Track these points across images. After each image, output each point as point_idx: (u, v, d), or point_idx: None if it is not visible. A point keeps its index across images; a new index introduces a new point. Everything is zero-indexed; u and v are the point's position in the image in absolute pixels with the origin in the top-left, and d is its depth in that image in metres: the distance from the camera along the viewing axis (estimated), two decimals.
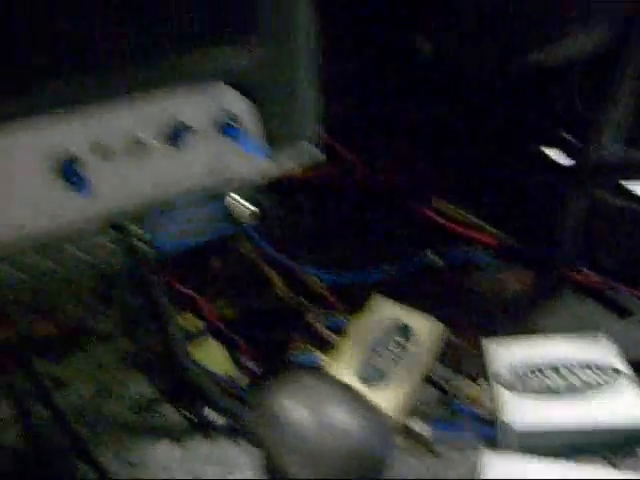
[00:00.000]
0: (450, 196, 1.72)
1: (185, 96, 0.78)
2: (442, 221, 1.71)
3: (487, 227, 1.67)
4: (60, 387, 1.31)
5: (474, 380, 1.33)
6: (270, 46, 0.81)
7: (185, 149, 0.80)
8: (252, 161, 0.85)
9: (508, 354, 1.31)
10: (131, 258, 0.81)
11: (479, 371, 1.33)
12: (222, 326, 1.35)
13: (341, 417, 0.69)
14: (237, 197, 0.84)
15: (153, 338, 1.37)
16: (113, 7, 0.70)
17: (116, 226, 0.80)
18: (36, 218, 0.74)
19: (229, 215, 0.85)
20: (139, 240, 0.80)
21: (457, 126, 1.66)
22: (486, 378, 1.28)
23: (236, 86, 0.81)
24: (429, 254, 1.59)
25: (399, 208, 1.71)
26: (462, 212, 1.71)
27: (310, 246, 1.64)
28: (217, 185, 0.84)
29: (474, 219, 1.69)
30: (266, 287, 1.57)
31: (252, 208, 0.84)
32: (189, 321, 1.29)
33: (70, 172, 0.73)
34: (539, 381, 1.25)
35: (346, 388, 0.74)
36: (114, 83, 0.73)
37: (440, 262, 1.59)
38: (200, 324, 1.33)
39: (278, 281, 1.57)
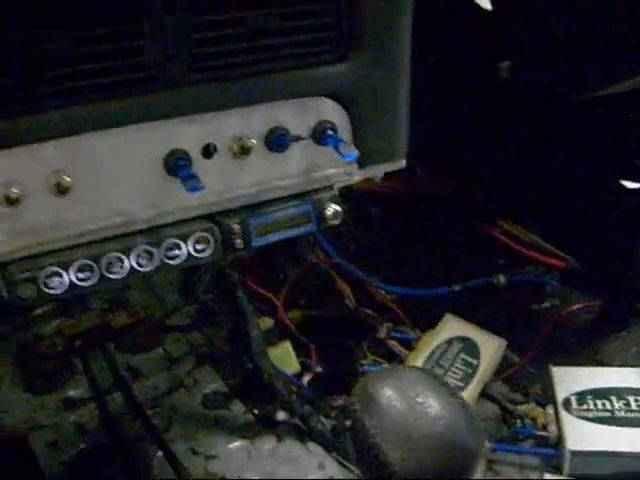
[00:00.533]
0: (519, 218, 1.74)
1: (289, 107, 0.83)
2: (510, 242, 1.72)
3: (555, 250, 1.68)
4: (136, 377, 1.37)
5: (539, 403, 1.34)
6: (370, 63, 0.85)
7: (284, 153, 0.85)
8: (343, 167, 0.90)
9: (575, 380, 1.32)
10: (224, 252, 0.86)
11: (544, 395, 1.34)
12: (293, 328, 1.39)
13: (437, 407, 0.73)
14: (324, 198, 0.89)
15: (226, 334, 1.42)
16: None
17: (214, 219, 0.85)
18: (144, 207, 0.80)
19: (316, 215, 0.89)
20: (234, 234, 0.85)
21: (530, 150, 1.68)
22: (551, 402, 1.29)
23: (336, 99, 0.85)
24: (496, 274, 1.60)
25: (468, 227, 1.73)
26: (530, 234, 1.73)
27: (379, 259, 1.68)
28: (308, 187, 0.89)
29: (542, 242, 1.70)
30: (336, 296, 1.60)
31: (337, 208, 0.89)
32: (261, 321, 1.34)
33: (179, 168, 0.79)
34: (604, 408, 1.26)
35: (444, 385, 0.78)
36: (228, 93, 0.79)
37: (506, 283, 1.60)
38: (271, 324, 1.37)
39: (348, 292, 1.60)
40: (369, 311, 1.53)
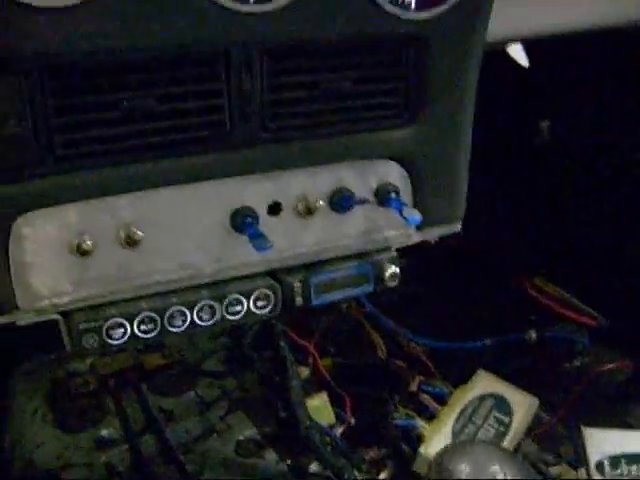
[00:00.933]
0: (551, 274, 1.74)
1: (354, 168, 0.84)
2: (542, 298, 1.72)
3: (587, 308, 1.68)
4: (169, 420, 1.36)
5: (571, 465, 1.33)
6: (435, 128, 0.87)
7: (347, 214, 0.86)
8: (402, 230, 0.91)
9: (607, 443, 1.31)
10: (283, 309, 0.86)
11: (576, 456, 1.33)
12: (329, 378, 1.39)
13: None
14: (384, 259, 0.90)
15: (260, 381, 1.42)
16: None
17: (275, 276, 0.86)
18: (209, 261, 0.81)
19: (374, 275, 0.90)
20: (294, 292, 0.86)
21: (566, 208, 1.69)
22: (584, 465, 1.28)
23: (399, 162, 0.87)
24: (527, 330, 1.60)
25: (501, 282, 1.74)
26: (562, 291, 1.73)
27: (411, 310, 1.68)
28: (367, 247, 0.90)
29: (574, 299, 1.71)
30: (366, 345, 1.60)
31: (396, 270, 0.90)
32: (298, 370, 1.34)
33: (247, 225, 0.80)
34: (638, 474, 1.25)
35: (518, 461, 0.77)
36: (297, 154, 0.80)
37: (537, 339, 1.60)
38: (307, 373, 1.37)
39: (379, 342, 1.60)
40: (400, 362, 1.53)
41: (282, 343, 1.19)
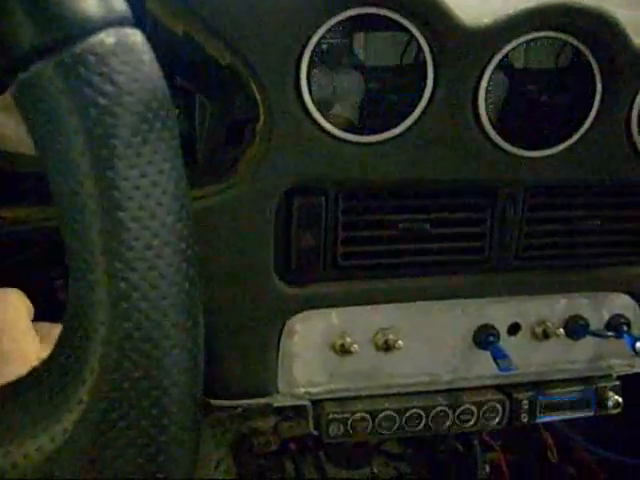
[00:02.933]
0: None
1: (589, 299, 0.89)
2: None
3: None
4: None
5: None
6: None
7: (578, 340, 0.90)
8: (627, 359, 0.94)
9: None
10: (507, 423, 0.92)
11: None
12: (507, 474, 1.41)
13: None
14: (607, 387, 0.93)
15: (437, 469, 1.46)
16: None
17: (505, 391, 0.92)
18: (447, 371, 0.88)
19: (596, 402, 0.94)
20: (521, 409, 0.91)
21: None
22: None
23: (632, 295, 0.91)
24: None
25: None
26: None
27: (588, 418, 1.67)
28: (590, 373, 0.94)
29: None
30: (536, 444, 1.61)
31: (619, 399, 0.93)
32: None
33: (489, 343, 0.86)
34: None
35: None
36: (540, 282, 0.86)
37: None
38: None
39: (550, 443, 1.61)
40: (571, 469, 1.53)
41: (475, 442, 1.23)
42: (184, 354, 0.34)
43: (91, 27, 0.32)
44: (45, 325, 0.54)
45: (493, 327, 0.86)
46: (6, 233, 0.78)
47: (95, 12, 0.32)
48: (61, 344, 0.34)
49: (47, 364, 0.34)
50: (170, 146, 0.34)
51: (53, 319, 0.59)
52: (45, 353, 0.42)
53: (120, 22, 0.33)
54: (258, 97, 0.70)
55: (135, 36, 0.33)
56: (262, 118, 0.71)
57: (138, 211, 0.32)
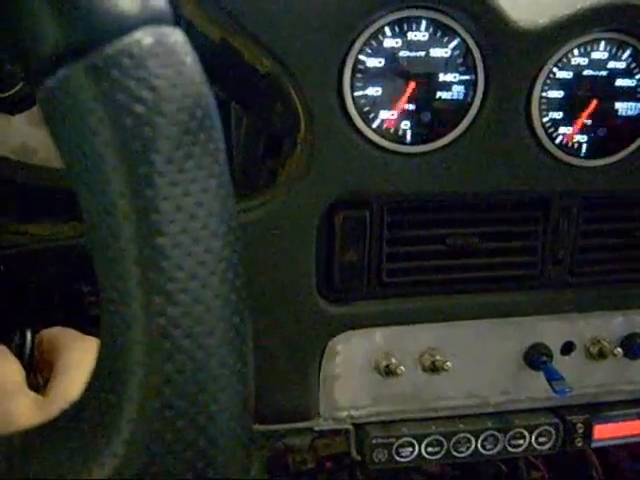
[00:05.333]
0: None
1: None
2: None
3: None
4: None
5: None
6: None
7: (637, 359, 0.85)
8: None
9: None
10: (561, 447, 0.87)
11: None
12: None
13: None
14: None
15: None
16: None
17: (558, 414, 0.86)
18: (496, 393, 0.83)
19: None
20: (576, 433, 0.86)
21: None
22: None
23: None
24: None
25: None
26: None
27: None
28: None
29: None
30: (580, 462, 1.55)
31: None
32: None
33: (541, 364, 0.81)
34: None
35: None
36: (595, 298, 0.81)
37: None
38: None
39: (595, 462, 1.54)
40: None
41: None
42: (234, 398, 0.29)
43: (126, 25, 0.28)
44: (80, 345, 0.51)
45: (545, 346, 0.81)
46: (34, 250, 0.74)
47: (130, 8, 0.28)
48: (92, 387, 0.30)
49: (77, 409, 0.30)
50: (216, 160, 0.30)
51: (79, 328, 0.56)
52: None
53: (158, 20, 0.29)
54: (299, 106, 0.66)
55: (175, 36, 0.29)
56: (303, 128, 0.67)
57: (181, 236, 0.28)
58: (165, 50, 0.28)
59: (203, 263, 0.28)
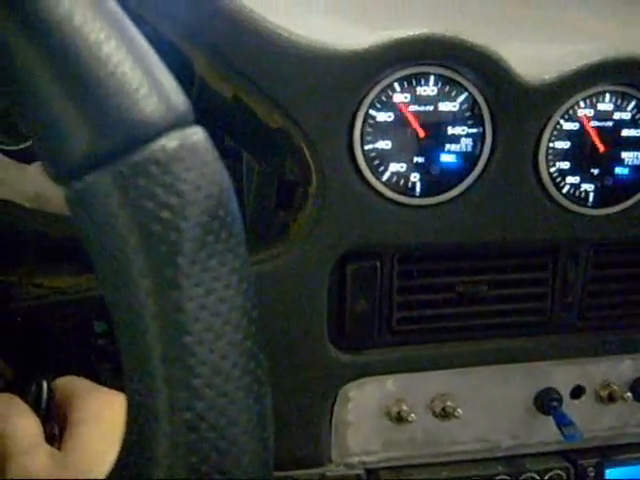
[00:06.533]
0: None
1: None
2: None
3: None
4: None
5: None
6: None
7: None
8: None
9: None
10: None
11: None
12: None
13: None
14: None
15: None
16: None
17: (568, 457, 0.87)
18: (506, 437, 0.83)
19: None
20: (587, 476, 0.86)
21: None
22: None
23: None
24: None
25: None
26: None
27: None
28: None
29: None
30: None
31: None
32: None
33: (552, 408, 0.81)
34: None
35: None
36: (605, 342, 0.82)
37: None
38: None
39: None
40: None
41: None
42: None
43: (153, 132, 0.29)
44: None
45: (555, 391, 0.82)
46: (50, 302, 0.76)
47: (157, 114, 0.29)
48: (118, 475, 0.31)
49: None
50: (237, 255, 0.31)
51: (95, 379, 0.57)
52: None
53: (182, 122, 0.30)
54: (310, 160, 0.68)
55: (197, 135, 0.30)
56: (314, 181, 0.69)
57: (205, 333, 0.29)
58: (189, 152, 0.29)
59: (226, 357, 0.30)
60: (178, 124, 0.30)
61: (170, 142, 0.29)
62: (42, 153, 0.30)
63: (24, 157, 0.81)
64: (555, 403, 0.82)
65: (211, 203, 0.30)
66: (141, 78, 0.29)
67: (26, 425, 0.51)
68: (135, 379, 0.30)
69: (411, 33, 0.65)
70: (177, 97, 0.31)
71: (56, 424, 0.55)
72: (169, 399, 0.29)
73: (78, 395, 0.54)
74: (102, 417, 0.51)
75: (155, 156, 0.28)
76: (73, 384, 0.56)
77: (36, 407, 0.55)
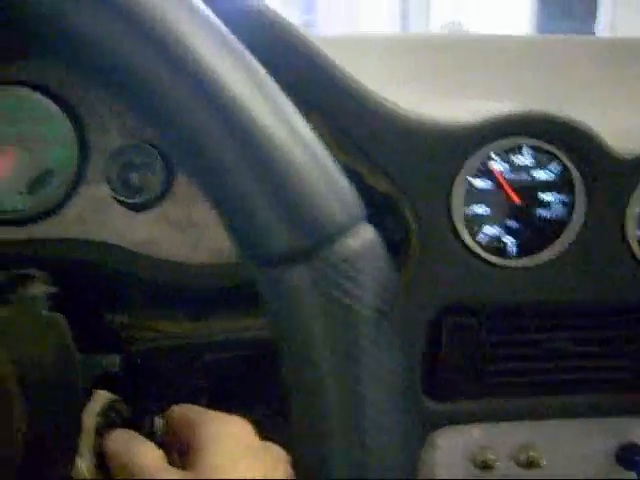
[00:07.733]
0: None
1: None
2: None
3: None
4: None
5: None
6: None
7: None
8: None
9: None
10: None
11: None
12: None
13: None
14: None
15: None
16: None
17: None
18: None
19: None
20: None
21: None
22: None
23: None
24: None
25: None
26: None
27: None
28: None
29: None
30: None
31: None
32: None
33: (633, 463, 0.84)
34: None
35: None
36: None
37: None
38: None
39: None
40: None
41: None
42: None
43: (340, 230, 0.33)
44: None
45: (638, 446, 0.85)
46: (163, 346, 0.82)
47: (342, 214, 0.33)
48: None
49: None
50: (396, 331, 0.36)
51: None
52: None
53: (359, 219, 0.34)
54: (412, 223, 0.73)
55: (370, 232, 0.35)
56: (414, 242, 0.74)
57: (380, 402, 0.34)
58: (368, 249, 0.34)
59: (390, 415, 0.35)
60: (357, 222, 0.35)
61: (354, 240, 0.34)
62: (234, 236, 0.35)
63: (135, 207, 0.87)
64: (638, 458, 0.85)
65: (382, 290, 0.35)
66: (325, 178, 0.34)
67: (150, 451, 0.56)
68: (308, 444, 0.35)
69: (510, 110, 0.71)
70: (352, 195, 0.36)
71: (174, 451, 0.60)
72: (344, 461, 0.34)
73: (195, 421, 0.57)
74: (222, 437, 0.56)
75: (343, 252, 0.33)
76: (189, 411, 0.60)
77: (151, 440, 0.59)
